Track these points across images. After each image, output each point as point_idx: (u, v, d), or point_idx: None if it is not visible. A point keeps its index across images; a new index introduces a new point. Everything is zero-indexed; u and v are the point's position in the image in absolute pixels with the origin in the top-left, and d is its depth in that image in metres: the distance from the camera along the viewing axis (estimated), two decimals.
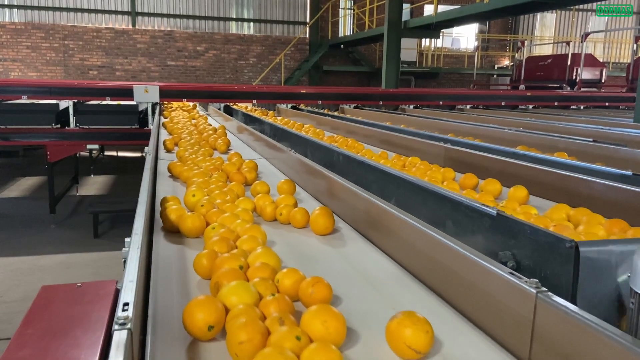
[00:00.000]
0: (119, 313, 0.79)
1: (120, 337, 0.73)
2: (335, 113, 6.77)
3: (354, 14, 15.87)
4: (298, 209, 1.71)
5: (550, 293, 0.90)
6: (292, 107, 7.29)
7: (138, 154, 9.85)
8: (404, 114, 6.40)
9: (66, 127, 5.96)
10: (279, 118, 5.53)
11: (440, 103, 7.86)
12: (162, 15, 14.68)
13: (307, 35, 15.91)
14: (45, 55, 13.85)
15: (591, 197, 2.00)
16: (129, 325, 0.75)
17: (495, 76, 17.51)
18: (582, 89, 11.51)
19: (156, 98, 6.21)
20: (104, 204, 6.42)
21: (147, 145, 2.96)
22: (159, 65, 14.67)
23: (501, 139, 3.60)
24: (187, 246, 1.50)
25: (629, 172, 2.15)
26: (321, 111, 6.71)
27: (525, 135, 3.74)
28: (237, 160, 2.53)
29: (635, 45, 11.43)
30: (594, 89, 12.03)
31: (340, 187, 1.83)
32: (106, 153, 10.90)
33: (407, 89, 12.37)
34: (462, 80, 17.09)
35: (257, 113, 5.93)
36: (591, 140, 3.55)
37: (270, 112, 6.56)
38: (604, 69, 13.07)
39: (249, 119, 5.43)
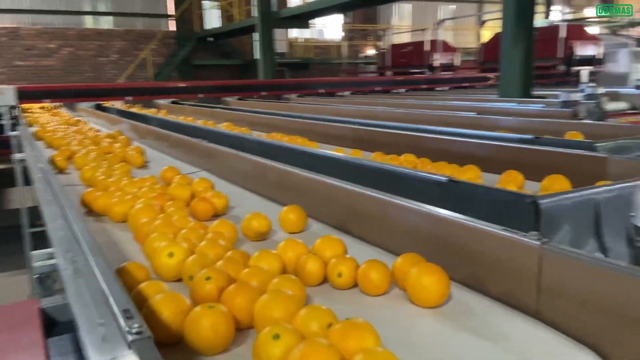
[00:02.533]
0: (123, 322, 0.64)
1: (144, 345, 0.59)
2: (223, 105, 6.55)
3: (220, 6, 15.49)
4: (369, 264, 1.05)
5: (554, 242, 0.93)
6: (173, 102, 6.91)
7: None
8: (294, 103, 6.38)
9: None
10: (173, 115, 5.17)
11: (323, 91, 8.00)
12: (4, 10, 12.99)
13: (173, 29, 15.19)
14: None
15: (498, 159, 2.15)
16: (148, 334, 0.62)
17: (362, 64, 18.30)
18: (442, 72, 12.50)
19: (12, 100, 5.48)
20: None
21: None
22: (5, 67, 13.00)
23: (399, 119, 3.75)
24: None
25: (530, 137, 2.35)
26: (214, 105, 6.44)
27: (418, 114, 3.93)
28: (183, 180, 1.82)
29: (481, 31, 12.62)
30: (451, 72, 13.12)
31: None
32: None
33: (290, 79, 12.41)
34: (332, 70, 17.59)
35: (140, 111, 5.50)
36: (475, 113, 3.87)
37: (152, 109, 6.13)
38: (457, 54, 14.29)
39: (141, 119, 4.99)
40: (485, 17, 17.40)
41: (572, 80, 9.92)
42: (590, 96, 4.13)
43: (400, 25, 19.41)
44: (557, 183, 1.61)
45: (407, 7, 19.86)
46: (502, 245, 0.99)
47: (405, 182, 1.58)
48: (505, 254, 0.99)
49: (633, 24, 18.54)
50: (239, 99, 7.24)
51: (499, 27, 17.12)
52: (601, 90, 4.55)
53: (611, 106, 5.15)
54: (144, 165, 2.49)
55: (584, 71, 9.76)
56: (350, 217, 1.45)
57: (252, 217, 1.37)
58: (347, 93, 8.18)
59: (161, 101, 6.83)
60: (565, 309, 0.89)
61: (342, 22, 18.37)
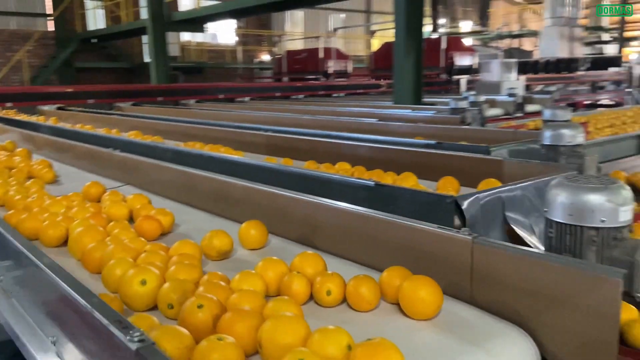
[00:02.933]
0: (119, 333, 0.66)
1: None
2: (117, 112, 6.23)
3: (105, 6, 14.64)
4: (358, 280, 1.06)
5: (484, 237, 1.07)
6: (59, 109, 6.42)
7: None
8: (196, 109, 6.24)
9: None
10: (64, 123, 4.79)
11: (222, 96, 7.92)
12: None
13: (52, 29, 14.06)
14: None
15: (402, 162, 2.33)
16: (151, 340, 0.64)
17: (257, 70, 18.31)
18: (337, 79, 12.94)
19: None
20: None
21: None
22: None
23: (307, 126, 3.86)
24: None
25: (433, 142, 2.57)
26: (109, 111, 6.09)
27: (324, 120, 4.09)
28: (115, 197, 1.70)
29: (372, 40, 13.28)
30: (344, 79, 13.63)
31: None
32: None
33: (188, 84, 12.03)
34: (227, 75, 17.40)
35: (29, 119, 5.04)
36: (377, 120, 4.11)
37: (40, 117, 5.66)
38: (350, 61, 14.88)
39: (32, 127, 4.56)
40: (375, 27, 18.29)
41: (453, 88, 10.81)
42: (473, 103, 4.57)
43: (294, 32, 19.74)
44: (448, 183, 1.79)
45: (300, 14, 20.26)
46: (438, 241, 1.12)
47: (335, 187, 1.68)
48: (441, 248, 1.12)
49: (501, 37, 20.60)
50: (134, 105, 6.93)
51: (388, 36, 18.07)
52: (482, 98, 5.06)
53: (490, 112, 5.74)
54: (54, 181, 2.27)
55: (463, 80, 10.69)
56: (305, 228, 1.47)
57: (212, 236, 1.30)
58: (247, 99, 8.18)
59: (46, 107, 6.32)
60: (495, 293, 1.03)
61: (236, 26, 18.26)
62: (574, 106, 8.49)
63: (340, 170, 2.10)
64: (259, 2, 8.77)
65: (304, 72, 14.35)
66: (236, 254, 1.37)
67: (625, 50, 19.52)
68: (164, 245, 1.29)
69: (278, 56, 15.34)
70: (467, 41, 15.99)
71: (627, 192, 0.96)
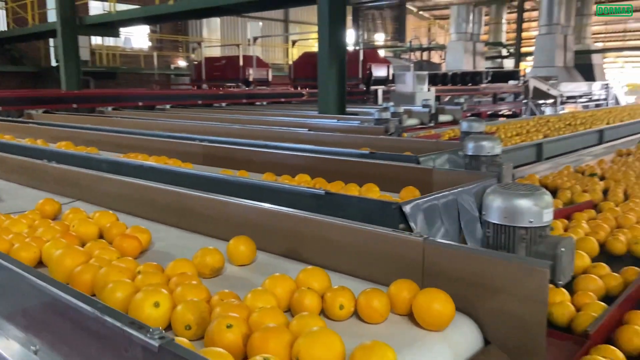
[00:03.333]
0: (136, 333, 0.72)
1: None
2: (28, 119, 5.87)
3: (7, 7, 13.64)
4: (370, 294, 1.11)
5: (432, 238, 1.22)
6: None
7: None
8: (116, 117, 6.02)
9: None
10: None
11: (141, 104, 7.71)
12: None
13: None
14: None
15: (340, 171, 2.48)
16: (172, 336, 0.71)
17: (173, 76, 17.88)
18: (258, 87, 12.99)
19: None
20: None
21: None
22: None
23: (239, 135, 3.91)
24: None
25: (367, 152, 2.75)
26: (23, 120, 5.71)
27: (256, 129, 4.16)
28: (80, 214, 1.61)
29: (292, 49, 13.49)
30: (265, 87, 13.71)
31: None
32: None
33: (106, 90, 11.48)
34: (142, 80, 16.83)
35: None
36: (307, 129, 4.26)
37: None
38: (269, 70, 14.99)
39: None
40: (295, 37, 18.53)
41: (370, 98, 11.27)
42: (394, 114, 4.87)
43: (211, 39, 19.52)
44: (410, 193, 1.97)
45: (217, 21, 20.08)
46: (393, 243, 1.26)
47: (285, 196, 1.78)
48: (396, 249, 1.26)
49: (412, 49, 21.71)
50: (45, 112, 6.55)
51: (307, 46, 18.33)
52: (401, 109, 5.38)
53: (408, 122, 6.11)
54: None
55: (380, 90, 11.19)
56: (289, 241, 1.51)
57: (204, 254, 1.29)
58: (167, 106, 8.02)
59: None
60: (443, 286, 1.19)
61: (149, 31, 17.72)
62: (479, 116, 9.18)
63: (302, 182, 2.20)
64: (176, 9, 8.65)
65: (223, 79, 14.25)
66: (226, 271, 1.38)
67: (522, 64, 21.30)
68: (156, 264, 1.26)
69: (196, 63, 15.10)
70: (382, 53, 16.72)
71: (549, 197, 1.16)
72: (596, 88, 16.54)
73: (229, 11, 11.16)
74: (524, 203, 1.14)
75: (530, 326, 1.06)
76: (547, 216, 1.15)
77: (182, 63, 18.56)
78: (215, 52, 18.72)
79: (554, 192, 2.63)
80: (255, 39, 13.11)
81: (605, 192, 2.72)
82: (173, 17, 10.54)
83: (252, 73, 13.49)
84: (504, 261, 1.10)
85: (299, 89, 11.92)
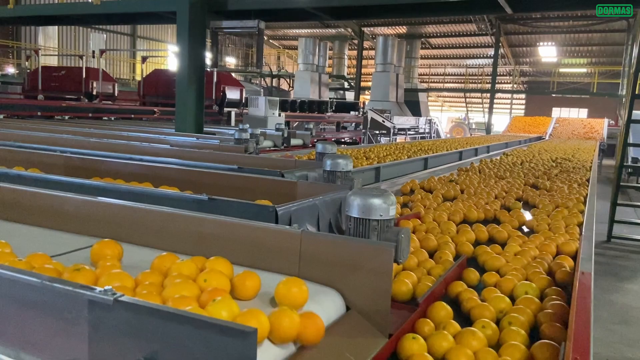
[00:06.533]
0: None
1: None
2: None
3: None
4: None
5: (309, 230, 1.53)
6: None
7: None
8: None
9: None
10: None
11: None
12: None
13: None
14: None
15: (211, 184, 2.71)
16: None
17: (0, 83, 16.02)
18: (103, 102, 12.34)
19: None
20: None
21: None
22: None
23: (101, 149, 3.86)
24: None
25: (235, 167, 3.00)
26: None
27: (115, 144, 4.12)
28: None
29: (143, 65, 13.11)
30: (111, 102, 13.08)
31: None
32: None
33: None
34: None
35: None
36: (169, 145, 4.34)
37: None
38: (115, 84, 14.33)
39: None
40: (146, 53, 17.94)
41: (224, 120, 11.47)
42: (252, 135, 5.19)
43: (47, 47, 17.95)
44: None
45: (53, 28, 18.56)
46: (276, 236, 1.54)
47: (170, 202, 1.95)
48: (277, 240, 1.54)
49: (263, 75, 22.43)
50: None
51: (155, 63, 17.79)
52: (258, 131, 5.73)
53: (264, 144, 6.48)
54: None
55: (233, 113, 11.46)
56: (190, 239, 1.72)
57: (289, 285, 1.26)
58: (1, 116, 7.31)
59: None
60: (316, 268, 1.50)
61: None
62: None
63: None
64: (18, 14, 7.98)
65: (62, 90, 13.27)
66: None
67: (362, 97, 23.36)
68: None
69: (29, 71, 13.81)
70: (235, 76, 17.04)
71: (394, 198, 1.55)
72: (422, 122, 18.90)
73: (77, 21, 10.52)
74: (376, 201, 1.51)
75: (379, 293, 1.42)
76: (392, 212, 1.53)
77: (10, 70, 16.73)
78: (52, 61, 17.27)
79: (430, 191, 3.74)
80: (102, 51, 12.48)
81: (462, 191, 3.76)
82: (11, 22, 9.62)
83: (96, 86, 12.79)
84: (361, 245, 1.45)
85: (156, 107, 11.61)
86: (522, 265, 1.98)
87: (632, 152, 12.59)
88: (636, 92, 6.49)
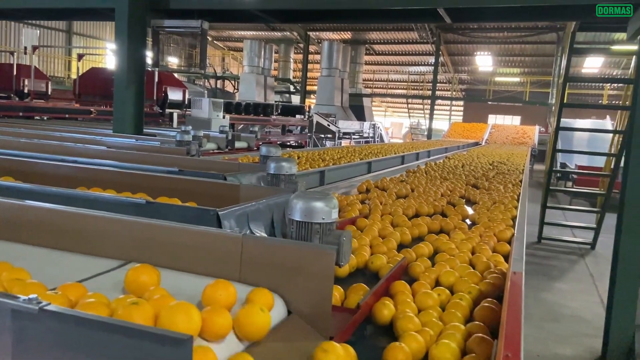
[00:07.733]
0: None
1: None
2: None
3: None
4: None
5: (251, 233, 1.51)
6: None
7: None
8: None
9: None
10: None
11: None
12: None
13: None
14: None
15: (150, 187, 2.63)
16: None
17: None
18: (35, 100, 11.71)
19: None
20: None
21: None
22: None
23: (30, 150, 3.66)
24: None
25: (176, 169, 2.92)
26: None
27: (45, 144, 3.92)
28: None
29: (79, 62, 12.58)
30: (44, 101, 12.44)
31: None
32: None
33: None
34: None
35: None
36: (106, 147, 4.18)
37: None
38: (49, 82, 13.66)
39: None
40: (82, 51, 17.20)
41: (166, 121, 11.17)
42: (195, 137, 5.08)
43: None
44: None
45: None
46: (215, 239, 1.51)
47: (107, 206, 1.87)
48: (216, 244, 1.51)
49: (207, 77, 22.07)
50: None
51: (93, 61, 17.14)
52: (201, 133, 5.62)
53: (207, 146, 6.37)
54: None
55: (175, 114, 11.19)
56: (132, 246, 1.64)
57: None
58: None
59: None
60: (258, 271, 1.48)
61: None
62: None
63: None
64: None
65: None
66: None
67: (307, 101, 23.45)
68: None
69: None
70: (178, 77, 16.66)
71: (336, 201, 1.56)
72: (366, 127, 19.20)
73: (9, 15, 9.94)
74: (318, 205, 1.51)
75: (321, 296, 1.42)
76: (334, 215, 1.54)
77: None
78: None
79: (385, 190, 4.00)
80: (35, 47, 11.86)
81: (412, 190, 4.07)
82: None
83: (28, 84, 12.14)
84: (303, 248, 1.44)
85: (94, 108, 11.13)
86: (468, 249, 2.30)
87: (560, 157, 13.35)
88: (564, 101, 6.89)
